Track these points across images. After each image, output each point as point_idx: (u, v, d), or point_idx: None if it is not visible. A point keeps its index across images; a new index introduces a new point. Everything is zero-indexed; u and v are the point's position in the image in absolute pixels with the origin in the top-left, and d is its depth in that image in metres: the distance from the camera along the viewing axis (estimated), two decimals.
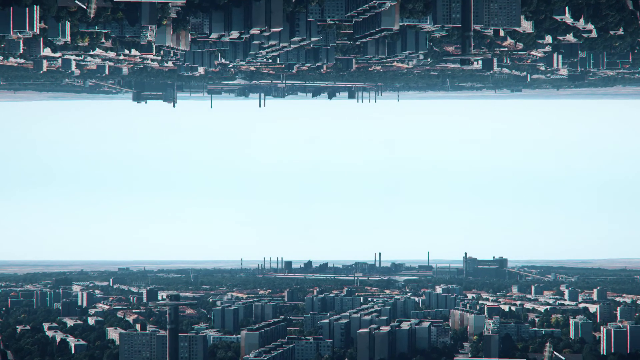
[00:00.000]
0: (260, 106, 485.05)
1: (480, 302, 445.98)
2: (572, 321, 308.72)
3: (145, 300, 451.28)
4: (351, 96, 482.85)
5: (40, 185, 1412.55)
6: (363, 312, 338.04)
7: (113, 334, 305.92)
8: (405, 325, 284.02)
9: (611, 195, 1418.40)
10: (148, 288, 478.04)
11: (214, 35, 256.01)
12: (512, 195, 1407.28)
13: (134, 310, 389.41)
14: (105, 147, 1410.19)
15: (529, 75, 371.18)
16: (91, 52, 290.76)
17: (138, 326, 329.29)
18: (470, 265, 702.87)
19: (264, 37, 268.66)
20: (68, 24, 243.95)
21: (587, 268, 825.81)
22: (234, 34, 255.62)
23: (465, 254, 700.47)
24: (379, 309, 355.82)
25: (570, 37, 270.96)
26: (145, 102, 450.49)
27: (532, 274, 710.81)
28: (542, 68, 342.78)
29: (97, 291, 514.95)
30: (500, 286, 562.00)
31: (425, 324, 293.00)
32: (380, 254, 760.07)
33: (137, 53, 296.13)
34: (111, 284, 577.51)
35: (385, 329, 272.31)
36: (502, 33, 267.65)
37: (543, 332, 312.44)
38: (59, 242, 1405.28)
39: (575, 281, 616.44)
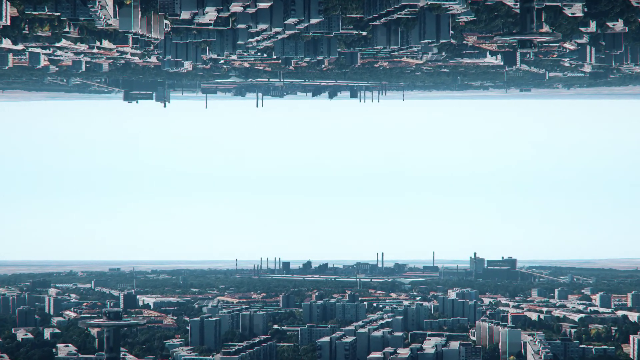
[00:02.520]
0: (257, 106, 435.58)
1: (500, 308, 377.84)
2: (633, 338, 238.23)
3: (122, 306, 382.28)
4: (353, 95, 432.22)
5: (38, 186, 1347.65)
6: (371, 325, 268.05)
7: (64, 352, 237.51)
8: (428, 347, 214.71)
9: (610, 195, 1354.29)
10: (125, 292, 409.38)
11: (185, 15, 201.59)
12: (510, 195, 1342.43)
13: None
14: (99, 148, 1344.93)
15: (547, 73, 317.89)
16: (57, 44, 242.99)
17: (97, 342, 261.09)
18: (478, 266, 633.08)
19: (249, 17, 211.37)
20: (6, 4, 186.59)
21: (598, 269, 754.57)
22: (211, 13, 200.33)
23: (475, 254, 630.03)
24: (389, 319, 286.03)
25: (618, 25, 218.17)
26: (137, 102, 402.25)
27: (543, 274, 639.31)
28: (567, 64, 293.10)
29: (73, 295, 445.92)
30: (516, 289, 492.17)
31: (454, 344, 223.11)
32: (382, 253, 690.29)
33: (111, 45, 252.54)
34: (93, 287, 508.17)
35: (403, 352, 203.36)
36: (543, 17, 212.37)
37: (593, 350, 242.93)
38: (58, 242, 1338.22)
39: (594, 283, 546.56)
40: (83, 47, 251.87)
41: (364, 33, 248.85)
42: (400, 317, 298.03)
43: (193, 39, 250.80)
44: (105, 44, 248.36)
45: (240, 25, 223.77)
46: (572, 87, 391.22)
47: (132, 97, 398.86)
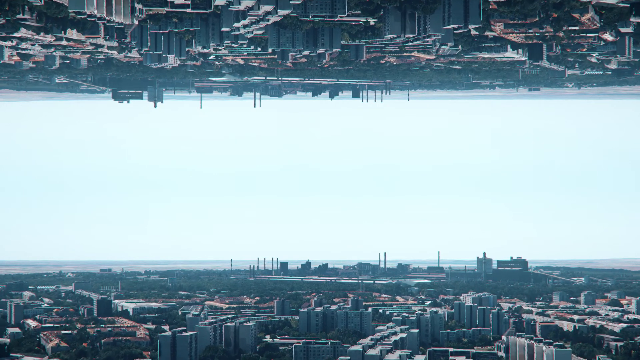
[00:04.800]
0: (255, 106, 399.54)
1: (524, 315, 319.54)
2: None
3: (96, 312, 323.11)
4: (355, 95, 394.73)
5: (35, 186, 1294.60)
6: (382, 343, 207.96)
7: None
8: None
9: (610, 195, 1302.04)
10: (99, 297, 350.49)
11: None
12: (509, 194, 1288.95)
13: (62, 332, 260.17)
14: (99, 149, 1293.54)
15: (566, 70, 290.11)
16: (17, 35, 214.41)
17: None
18: (487, 266, 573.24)
19: None
20: None
21: (608, 269, 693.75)
22: None
23: (484, 254, 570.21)
24: (403, 334, 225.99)
25: None
26: (128, 102, 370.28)
27: (554, 275, 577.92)
28: (594, 60, 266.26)
29: (46, 300, 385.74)
30: (533, 292, 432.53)
31: None
32: (385, 253, 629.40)
33: (80, 36, 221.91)
34: (74, 289, 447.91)
35: None
36: None
37: None
38: (58, 243, 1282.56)
39: (613, 285, 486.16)
40: (49, 37, 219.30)
41: (373, 22, 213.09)
42: (416, 331, 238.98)
43: (174, 28, 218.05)
44: (74, 34, 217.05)
45: (218, 1, 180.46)
46: (583, 87, 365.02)
47: (122, 97, 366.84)
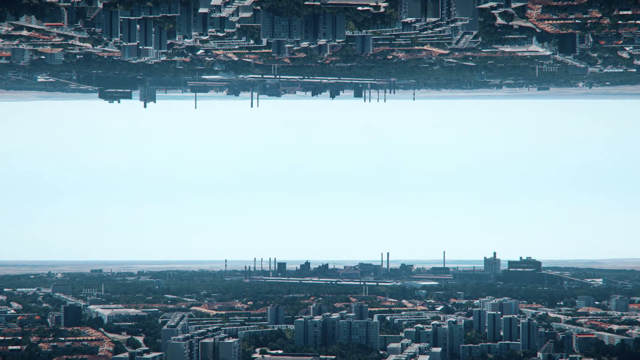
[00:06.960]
0: (252, 106, 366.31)
1: (552, 324, 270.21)
2: None
3: (63, 321, 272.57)
4: (357, 95, 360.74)
5: (35, 187, 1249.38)
6: None
7: None
8: None
9: (610, 195, 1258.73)
10: (69, 304, 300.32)
11: None
12: (509, 194, 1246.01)
13: (10, 347, 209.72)
14: (105, 149, 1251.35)
15: (588, 67, 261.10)
16: None
17: None
18: (496, 267, 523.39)
19: None
20: None
21: (618, 269, 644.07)
22: None
23: (494, 254, 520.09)
24: (424, 357, 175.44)
25: None
26: (118, 102, 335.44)
27: (568, 277, 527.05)
28: (625, 55, 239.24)
29: (15, 304, 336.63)
30: (554, 296, 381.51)
31: None
32: (388, 253, 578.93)
33: (40, 24, 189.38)
34: (52, 293, 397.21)
35: None
36: None
37: None
38: (60, 242, 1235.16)
39: (635, 288, 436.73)
40: (5, 26, 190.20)
41: (383, 7, 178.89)
42: (438, 350, 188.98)
43: (148, 14, 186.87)
44: (32, 21, 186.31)
45: None
46: (594, 86, 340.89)
47: (110, 96, 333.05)
